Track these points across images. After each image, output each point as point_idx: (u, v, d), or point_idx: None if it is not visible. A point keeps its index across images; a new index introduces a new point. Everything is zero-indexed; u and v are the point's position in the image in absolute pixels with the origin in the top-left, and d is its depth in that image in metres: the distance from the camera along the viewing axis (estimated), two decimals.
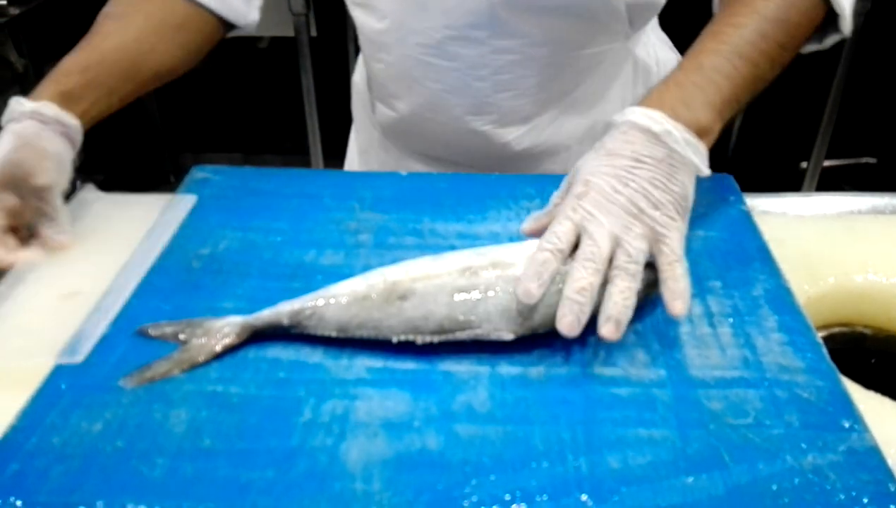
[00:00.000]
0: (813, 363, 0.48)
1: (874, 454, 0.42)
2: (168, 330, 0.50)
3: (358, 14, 0.77)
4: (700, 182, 0.67)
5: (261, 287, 0.55)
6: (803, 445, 0.42)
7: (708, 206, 0.64)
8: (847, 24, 0.63)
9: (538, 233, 0.50)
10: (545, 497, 0.39)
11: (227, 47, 0.86)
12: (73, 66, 0.63)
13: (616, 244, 0.48)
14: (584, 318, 0.46)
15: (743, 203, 0.64)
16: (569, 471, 0.41)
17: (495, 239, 0.60)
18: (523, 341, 0.48)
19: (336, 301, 0.49)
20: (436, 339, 0.48)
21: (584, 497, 0.39)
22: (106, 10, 0.69)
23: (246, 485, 0.40)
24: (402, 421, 0.44)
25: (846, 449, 0.42)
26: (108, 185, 0.72)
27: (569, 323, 0.45)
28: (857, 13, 1.75)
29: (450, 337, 0.48)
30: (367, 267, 0.53)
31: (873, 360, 0.63)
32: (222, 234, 0.60)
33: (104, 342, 0.50)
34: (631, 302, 0.47)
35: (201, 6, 0.71)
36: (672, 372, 0.47)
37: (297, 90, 1.83)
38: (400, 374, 0.48)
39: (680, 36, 0.87)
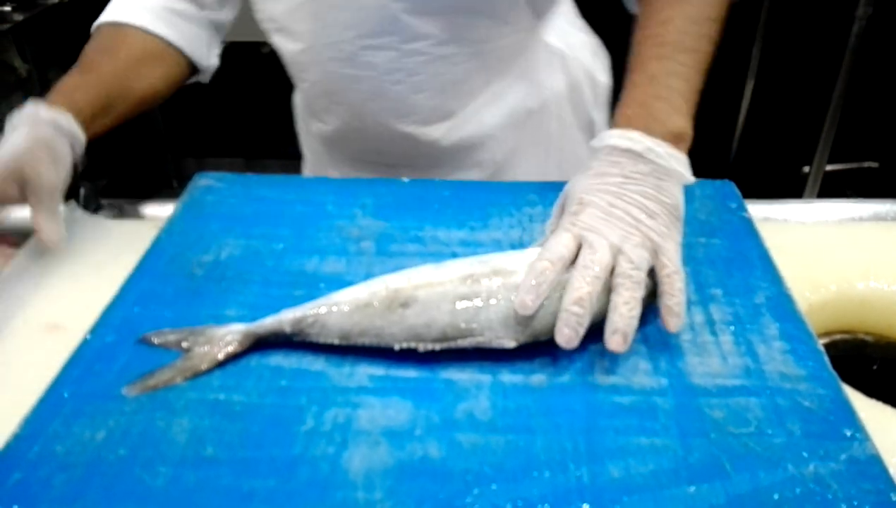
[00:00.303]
0: (815, 371, 0.48)
1: (876, 463, 0.42)
2: (171, 338, 0.50)
3: (276, 39, 0.79)
4: (701, 189, 0.67)
5: (263, 294, 0.55)
6: (805, 454, 0.42)
7: (709, 213, 0.64)
8: None
9: None
10: (546, 507, 0.39)
11: (229, 53, 0.87)
12: (75, 84, 0.70)
13: (617, 253, 0.49)
14: (582, 330, 0.46)
15: (744, 210, 0.64)
16: (570, 480, 0.41)
17: (497, 246, 0.60)
18: (525, 349, 0.48)
19: (338, 308, 0.49)
20: (437, 347, 0.48)
21: (585, 507, 0.39)
22: (91, 44, 0.75)
23: (248, 494, 0.40)
24: (404, 430, 0.44)
25: (848, 458, 0.42)
26: (111, 190, 0.73)
27: (566, 337, 0.46)
28: (860, 18, 1.75)
29: (452, 344, 0.48)
30: (369, 275, 0.54)
31: (875, 368, 0.62)
32: (225, 241, 0.61)
33: (107, 350, 0.50)
34: (636, 312, 0.47)
35: (172, 45, 0.77)
36: (674, 381, 0.47)
37: None
38: (402, 382, 0.48)
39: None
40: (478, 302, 0.48)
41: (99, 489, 0.41)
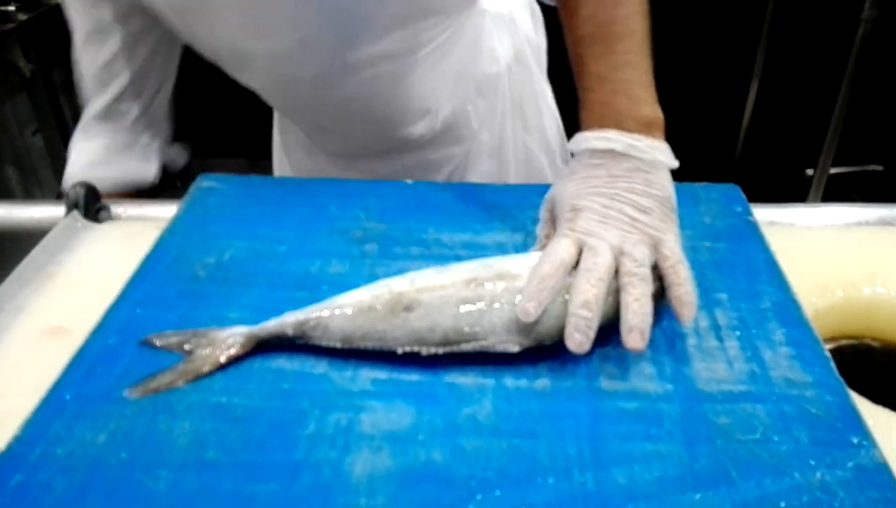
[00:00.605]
0: (821, 377, 0.48)
1: (883, 470, 0.41)
2: (173, 340, 0.50)
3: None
4: (707, 192, 0.67)
5: (266, 296, 0.55)
6: (812, 461, 0.42)
7: (714, 217, 0.64)
8: None
9: None
10: None
11: None
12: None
13: (619, 253, 0.49)
14: (592, 334, 0.46)
15: (750, 214, 0.64)
16: (575, 487, 0.40)
17: (501, 249, 0.60)
18: (529, 353, 0.48)
19: (341, 312, 0.49)
20: (441, 351, 0.48)
21: None
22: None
23: (250, 499, 0.40)
24: (407, 434, 0.44)
25: (855, 466, 0.42)
26: None
27: (577, 342, 0.45)
28: (865, 20, 1.74)
29: (455, 348, 0.48)
30: (372, 277, 0.53)
31: (881, 374, 0.62)
32: (228, 243, 0.60)
33: (109, 352, 0.50)
34: (649, 307, 0.47)
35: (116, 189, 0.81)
36: (679, 386, 0.47)
37: None
38: (405, 386, 0.47)
39: None
40: (481, 306, 0.48)
41: (100, 492, 0.40)
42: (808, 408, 0.45)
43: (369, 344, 0.48)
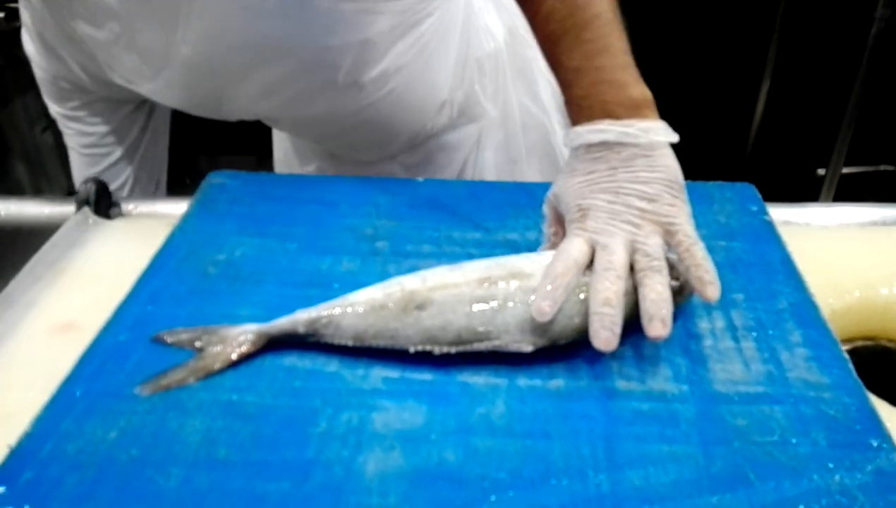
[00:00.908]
0: (839, 379, 0.47)
1: None
2: (184, 337, 0.50)
3: None
4: (721, 191, 0.66)
5: (277, 294, 0.54)
6: (830, 464, 0.41)
7: (730, 216, 0.63)
8: None
9: None
10: None
11: None
12: None
13: (632, 250, 0.48)
14: (618, 330, 0.45)
15: (766, 213, 0.63)
16: (589, 489, 0.40)
17: (513, 247, 0.59)
18: (542, 352, 0.47)
19: (353, 309, 0.49)
20: (453, 350, 0.47)
21: None
22: None
23: (261, 497, 0.40)
24: (419, 434, 0.43)
25: (874, 469, 0.41)
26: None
27: (605, 339, 0.45)
28: (878, 19, 1.72)
29: (468, 348, 0.47)
30: (383, 275, 0.53)
31: None
32: (238, 240, 0.60)
33: (120, 348, 0.49)
34: (667, 294, 0.46)
35: None
36: (695, 387, 0.46)
37: None
38: (417, 385, 0.47)
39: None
40: (494, 305, 0.47)
41: (110, 490, 0.40)
42: (827, 410, 0.45)
43: (381, 343, 0.48)
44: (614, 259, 0.47)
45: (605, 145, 0.51)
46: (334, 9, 0.66)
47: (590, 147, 0.52)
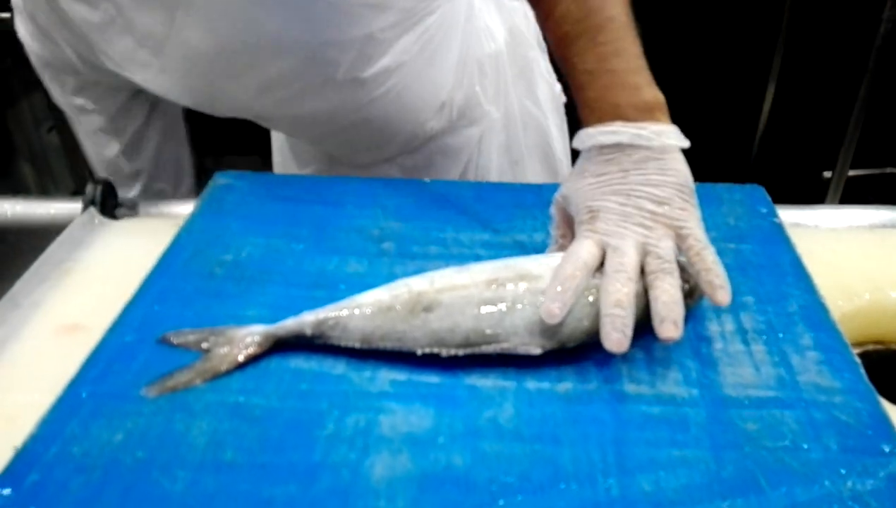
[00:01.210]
0: (851, 383, 0.47)
1: None
2: (191, 338, 0.50)
3: None
4: (730, 193, 0.66)
5: (283, 295, 0.54)
6: (842, 470, 0.41)
7: (739, 218, 0.63)
8: None
9: None
10: None
11: None
12: None
13: (643, 252, 0.48)
14: (630, 332, 0.45)
15: (775, 215, 0.63)
16: (599, 493, 0.40)
17: (521, 249, 0.59)
18: (551, 355, 0.47)
19: (360, 311, 0.48)
20: (461, 352, 0.47)
21: None
22: None
23: (268, 501, 0.39)
24: (427, 437, 0.43)
25: (887, 475, 0.41)
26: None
27: (616, 341, 0.44)
28: (885, 20, 1.71)
29: (476, 350, 0.47)
30: (390, 276, 0.53)
31: None
32: (245, 241, 0.60)
33: (126, 349, 0.49)
34: (679, 297, 0.46)
35: None
36: (705, 391, 0.46)
37: None
38: (424, 388, 0.46)
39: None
40: (503, 308, 0.47)
41: (117, 492, 0.40)
42: (838, 415, 0.44)
43: (388, 345, 0.48)
44: (626, 261, 0.47)
45: (617, 147, 0.51)
46: (339, 2, 0.65)
47: (601, 148, 0.52)
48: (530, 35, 0.91)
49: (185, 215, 0.64)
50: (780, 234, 0.61)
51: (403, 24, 0.71)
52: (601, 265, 0.49)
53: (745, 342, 0.49)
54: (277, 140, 0.95)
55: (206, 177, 0.70)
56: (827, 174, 2.00)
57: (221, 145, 2.38)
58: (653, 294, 0.46)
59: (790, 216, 0.67)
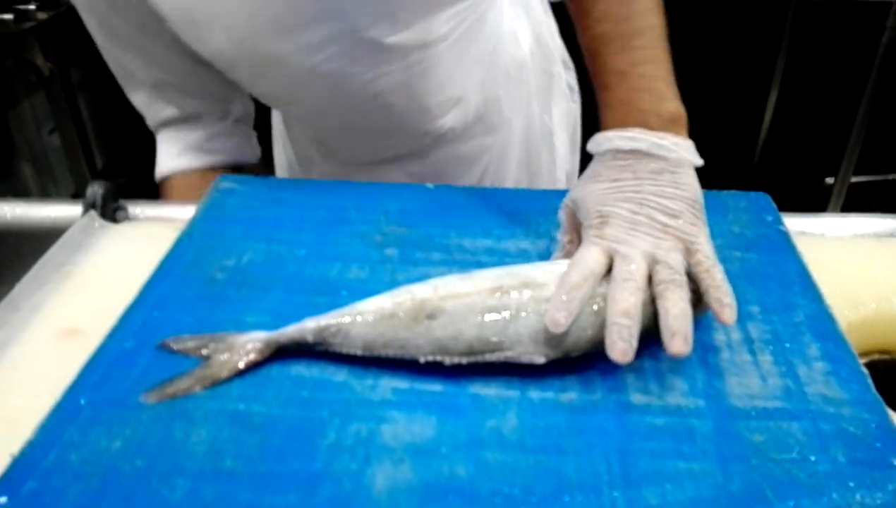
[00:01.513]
0: (858, 395, 0.46)
1: None
2: (190, 344, 0.49)
3: (274, 107, 0.80)
4: (735, 201, 0.65)
5: (285, 301, 0.54)
6: (850, 483, 0.40)
7: (744, 226, 0.62)
8: None
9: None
10: None
11: None
12: None
13: (652, 261, 0.47)
14: (635, 342, 0.44)
15: (781, 223, 0.62)
16: (604, 505, 0.39)
17: (524, 256, 0.59)
18: (555, 364, 0.47)
19: (362, 318, 0.48)
20: (464, 361, 0.46)
21: None
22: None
23: None
24: (429, 447, 0.43)
25: (895, 489, 0.40)
26: (130, 189, 0.72)
27: (621, 350, 0.44)
28: (889, 28, 1.71)
29: (479, 358, 0.46)
30: (393, 283, 0.52)
31: None
32: (246, 246, 0.59)
33: (125, 355, 0.49)
34: (689, 310, 0.45)
35: (213, 168, 0.82)
36: (711, 402, 0.45)
37: None
38: (427, 396, 0.46)
39: None
40: (507, 316, 0.47)
41: (114, 501, 0.39)
42: (846, 427, 0.44)
43: (391, 353, 0.47)
44: (634, 269, 0.47)
45: (634, 154, 0.51)
46: None
47: (618, 153, 0.51)
48: (556, 50, 0.90)
49: (186, 219, 0.63)
50: (786, 243, 0.60)
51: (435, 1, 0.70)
52: (608, 272, 0.48)
53: (752, 352, 0.49)
54: (280, 142, 0.95)
55: None
56: (829, 180, 1.99)
57: None
58: (663, 305, 0.45)
59: (795, 224, 0.66)
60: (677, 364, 0.48)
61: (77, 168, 1.83)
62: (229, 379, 0.47)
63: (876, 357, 0.61)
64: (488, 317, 0.47)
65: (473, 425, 0.44)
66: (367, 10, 0.66)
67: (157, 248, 0.59)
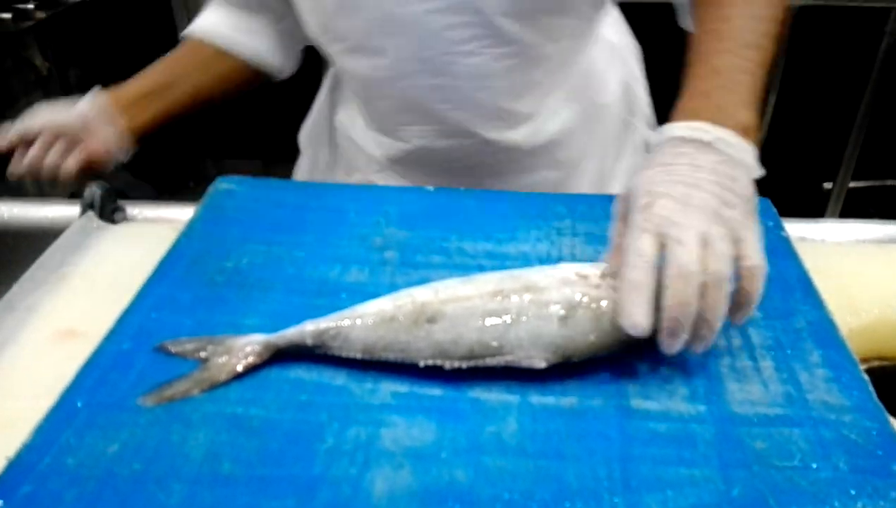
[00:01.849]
0: (860, 401, 0.46)
1: None
2: (189, 347, 0.49)
3: (348, 60, 0.76)
4: None
5: (284, 303, 0.53)
6: (852, 490, 0.40)
7: None
8: None
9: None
10: None
11: None
12: (134, 82, 0.82)
13: (705, 244, 0.45)
14: (686, 335, 0.44)
15: (782, 229, 0.62)
16: None
17: (525, 260, 0.58)
18: (556, 369, 0.46)
19: (362, 321, 0.48)
20: (465, 365, 0.46)
21: None
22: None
23: None
24: (429, 452, 0.42)
25: None
26: (132, 168, 0.72)
27: (670, 345, 0.44)
28: (889, 33, 1.71)
29: (479, 362, 0.46)
30: (392, 286, 0.52)
31: None
32: (245, 248, 0.59)
33: (122, 358, 0.48)
34: (725, 310, 0.44)
35: (234, 52, 0.84)
36: (713, 408, 0.45)
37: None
38: (427, 401, 0.46)
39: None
40: (507, 320, 0.46)
41: (111, 505, 0.39)
42: (848, 434, 0.44)
43: (391, 356, 0.47)
44: (687, 254, 0.44)
45: (695, 144, 0.49)
46: None
47: (680, 141, 0.50)
48: (641, 105, 0.89)
49: (185, 220, 0.63)
50: (787, 249, 0.60)
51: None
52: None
53: (753, 358, 0.49)
54: (311, 132, 0.92)
55: (207, 182, 0.69)
56: (828, 185, 1.99)
57: (222, 148, 2.38)
58: (700, 305, 0.44)
59: (796, 230, 0.66)
60: (679, 369, 0.47)
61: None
62: (228, 383, 0.47)
63: (877, 363, 0.61)
64: (489, 321, 0.46)
65: (473, 430, 0.44)
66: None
67: (156, 249, 0.59)
